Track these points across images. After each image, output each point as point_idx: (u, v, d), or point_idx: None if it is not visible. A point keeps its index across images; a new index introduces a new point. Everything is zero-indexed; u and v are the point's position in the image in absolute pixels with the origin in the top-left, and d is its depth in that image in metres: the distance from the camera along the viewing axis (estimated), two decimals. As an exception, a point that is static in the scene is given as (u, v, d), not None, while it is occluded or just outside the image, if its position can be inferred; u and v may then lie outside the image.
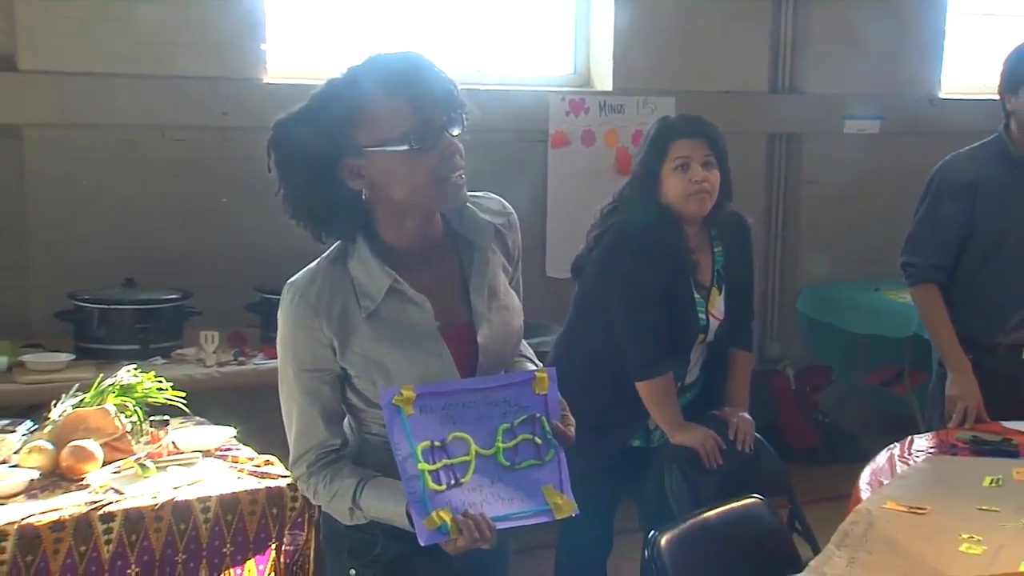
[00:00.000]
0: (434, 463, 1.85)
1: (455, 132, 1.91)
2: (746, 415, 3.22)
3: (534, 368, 2.09)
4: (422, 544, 1.83)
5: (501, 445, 1.90)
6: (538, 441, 1.93)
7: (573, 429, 1.99)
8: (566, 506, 1.91)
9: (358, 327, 1.94)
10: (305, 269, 2.01)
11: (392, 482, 1.91)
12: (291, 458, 2.06)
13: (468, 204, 2.03)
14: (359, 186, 1.93)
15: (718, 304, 3.19)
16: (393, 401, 1.84)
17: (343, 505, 1.98)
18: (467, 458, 1.87)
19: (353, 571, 2.07)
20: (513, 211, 2.17)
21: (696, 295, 3.13)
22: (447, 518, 1.82)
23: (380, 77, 1.89)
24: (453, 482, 1.86)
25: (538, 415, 1.93)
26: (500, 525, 1.86)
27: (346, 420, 2.08)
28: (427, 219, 1.99)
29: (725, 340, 3.24)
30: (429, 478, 1.84)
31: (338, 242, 2.01)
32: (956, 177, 3.43)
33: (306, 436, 2.01)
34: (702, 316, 3.15)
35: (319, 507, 2.31)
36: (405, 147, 1.86)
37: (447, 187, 1.91)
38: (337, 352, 1.94)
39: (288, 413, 2.03)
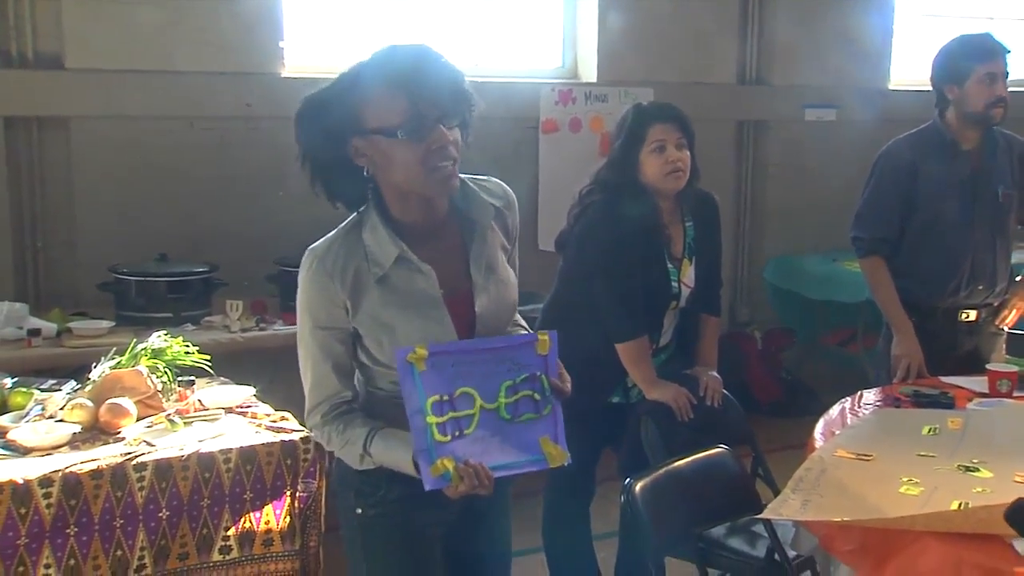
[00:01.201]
0: (442, 416, 1.84)
1: (452, 124, 1.89)
2: (715, 373, 3.20)
3: (535, 333, 2.04)
4: (426, 489, 1.82)
5: (503, 400, 1.90)
6: (537, 397, 1.92)
7: (569, 385, 1.99)
8: (560, 455, 1.92)
9: (369, 290, 1.94)
10: (323, 238, 2.00)
11: (400, 432, 1.90)
12: (307, 408, 2.05)
13: (472, 186, 2.03)
14: (363, 163, 1.93)
15: (689, 274, 3.16)
16: (407, 359, 1.83)
17: (355, 452, 1.97)
18: (472, 412, 1.87)
19: (359, 510, 2.07)
20: (513, 195, 2.14)
21: (669, 266, 3.10)
22: (450, 466, 1.82)
23: (387, 68, 1.88)
24: (457, 434, 1.85)
25: (539, 373, 1.93)
26: (498, 474, 1.86)
27: (356, 376, 2.06)
28: (427, 199, 1.97)
29: (696, 306, 3.22)
30: (436, 430, 1.83)
31: (354, 214, 2.00)
32: (898, 160, 3.41)
33: (320, 388, 2.00)
34: (675, 285, 3.12)
35: (329, 456, 2.35)
36: (397, 136, 1.86)
37: (436, 175, 1.88)
38: (349, 312, 1.94)
39: (304, 367, 2.03)
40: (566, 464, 1.92)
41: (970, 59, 3.30)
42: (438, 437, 1.83)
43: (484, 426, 1.88)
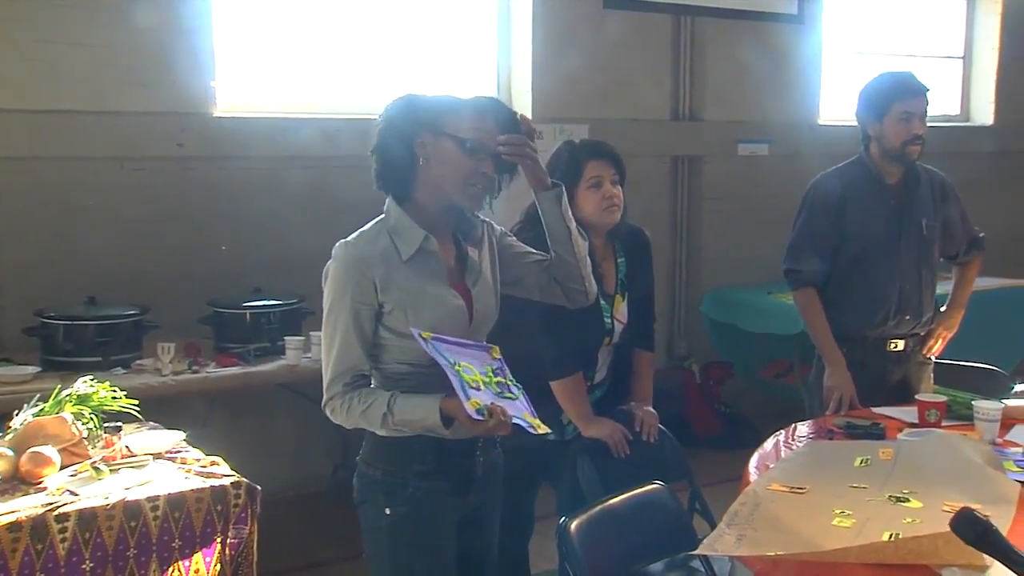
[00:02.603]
0: (464, 373, 2.13)
1: (494, 166, 2.26)
2: (650, 408, 3.20)
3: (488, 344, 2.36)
4: (471, 417, 2.07)
5: (493, 379, 2.20)
6: (508, 383, 2.24)
7: None
8: (541, 426, 2.21)
9: (397, 269, 2.23)
10: (355, 233, 2.30)
11: (421, 394, 2.18)
12: (327, 381, 2.24)
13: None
14: (421, 154, 2.24)
15: (622, 310, 3.16)
16: (421, 335, 2.14)
17: (377, 412, 2.18)
18: (477, 377, 2.15)
19: (388, 510, 2.27)
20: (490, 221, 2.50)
21: (602, 302, 3.10)
22: (482, 403, 2.09)
23: (489, 105, 2.30)
24: (476, 389, 2.13)
25: (501, 367, 2.27)
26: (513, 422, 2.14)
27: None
28: (454, 204, 2.29)
29: (630, 342, 3.22)
30: (465, 374, 2.12)
31: (379, 218, 2.30)
32: (827, 192, 3.47)
33: (345, 358, 2.22)
34: (608, 321, 3.12)
35: (259, 506, 2.63)
36: (464, 147, 2.22)
37: (470, 190, 2.25)
38: (378, 288, 2.21)
39: (329, 343, 2.25)
40: (548, 435, 2.28)
41: (888, 97, 3.36)
42: (468, 379, 2.11)
43: (487, 390, 2.16)
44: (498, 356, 2.28)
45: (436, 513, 2.30)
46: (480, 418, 2.08)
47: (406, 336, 2.22)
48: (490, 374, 2.21)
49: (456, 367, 2.13)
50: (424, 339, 2.13)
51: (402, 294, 2.23)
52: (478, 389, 2.13)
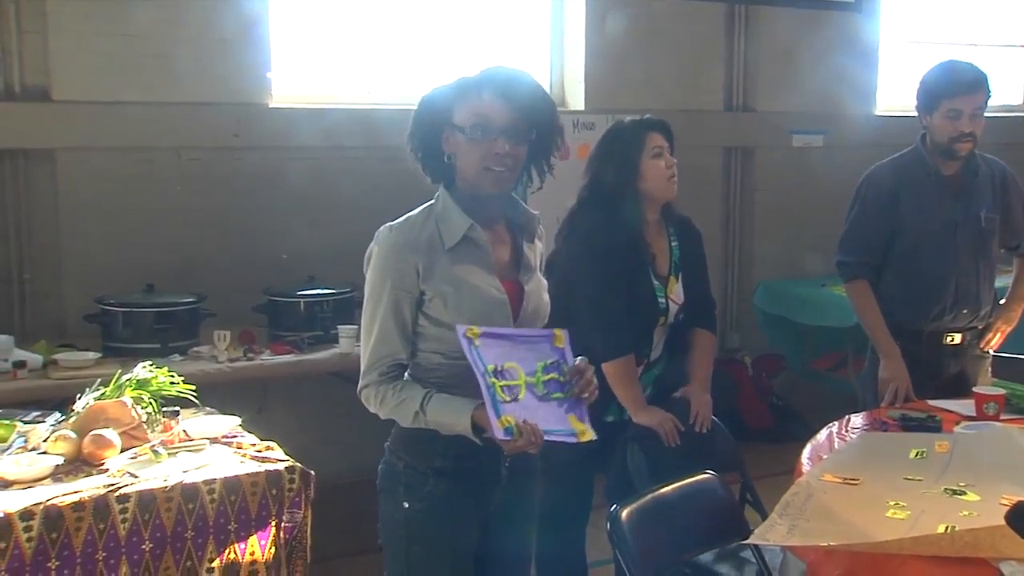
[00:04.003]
0: (500, 380, 2.08)
1: (517, 139, 2.15)
2: (707, 397, 3.18)
3: (552, 328, 2.27)
4: (498, 437, 2.03)
5: (540, 377, 2.13)
6: (562, 379, 2.15)
7: (591, 375, 2.19)
8: (587, 432, 2.13)
9: (440, 257, 2.18)
10: (401, 218, 2.26)
11: (455, 397, 2.14)
12: (364, 368, 2.22)
13: (519, 200, 2.34)
14: (448, 151, 2.22)
15: (676, 290, 3.19)
16: (465, 334, 2.08)
17: (410, 409, 2.15)
18: (519, 382, 2.10)
19: (406, 504, 2.23)
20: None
21: (655, 282, 3.12)
22: (512, 422, 2.03)
23: (484, 80, 2.18)
24: (512, 398, 2.08)
25: (560, 361, 2.17)
26: (546, 437, 2.07)
27: None
28: (482, 192, 2.22)
29: (687, 322, 3.24)
30: (500, 390, 2.06)
31: (428, 203, 2.26)
32: (880, 184, 3.43)
33: (383, 345, 2.19)
34: (662, 301, 3.15)
35: (312, 491, 2.66)
36: (466, 134, 2.16)
37: (487, 175, 2.17)
38: (421, 276, 2.17)
39: (368, 330, 2.22)
40: (593, 440, 2.13)
41: (938, 93, 3.30)
42: (502, 395, 2.06)
43: (529, 396, 2.11)
44: (562, 344, 2.20)
45: (454, 513, 2.23)
46: (508, 438, 2.03)
47: (444, 326, 2.17)
48: (539, 372, 2.13)
49: (491, 378, 2.06)
50: (469, 339, 2.08)
51: (442, 283, 2.17)
52: (515, 399, 2.07)
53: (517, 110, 2.15)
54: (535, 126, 2.19)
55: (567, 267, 3.10)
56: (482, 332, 2.11)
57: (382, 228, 2.23)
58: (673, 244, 3.20)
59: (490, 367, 2.07)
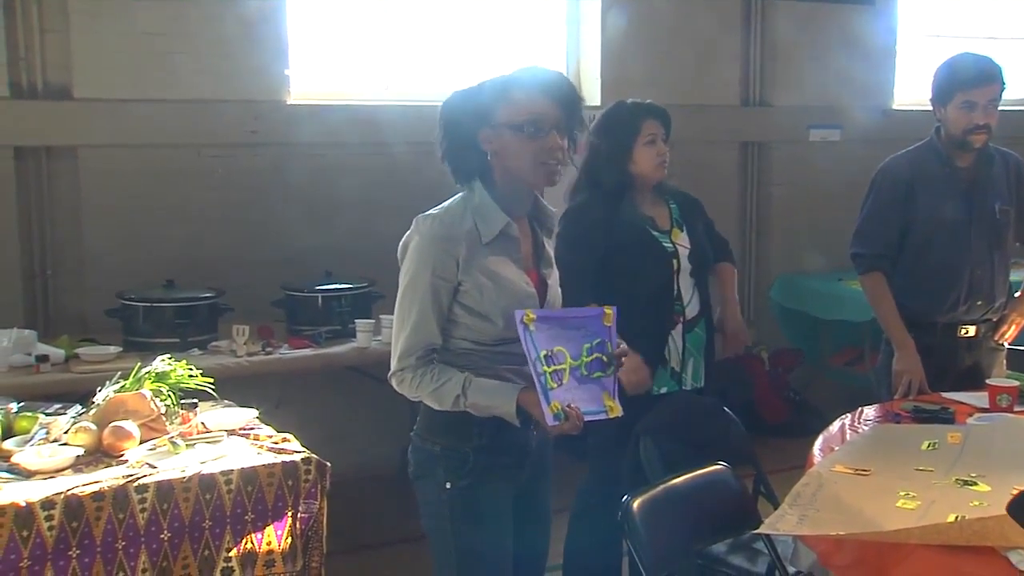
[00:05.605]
0: (549, 367, 2.18)
1: (563, 133, 2.25)
2: (738, 318, 3.41)
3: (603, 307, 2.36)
4: (549, 424, 2.15)
5: (584, 359, 2.24)
6: (604, 359, 2.27)
7: (626, 347, 2.35)
8: (616, 408, 2.26)
9: (479, 248, 2.26)
10: (437, 208, 2.31)
11: (494, 381, 2.24)
12: (399, 352, 2.28)
13: (540, 197, 2.40)
14: (488, 149, 2.28)
15: (682, 237, 3.31)
16: (523, 320, 2.18)
17: (451, 392, 2.23)
18: (565, 366, 2.21)
19: (448, 483, 2.30)
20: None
21: (655, 233, 3.25)
22: (559, 407, 2.15)
23: (530, 78, 2.26)
24: (558, 384, 2.19)
25: (605, 340, 2.28)
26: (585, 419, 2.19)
27: None
28: (528, 187, 2.32)
29: (707, 270, 3.34)
30: (550, 378, 2.17)
31: (461, 193, 2.32)
32: (895, 176, 3.42)
33: (420, 332, 2.25)
34: (668, 244, 3.25)
35: (328, 482, 2.70)
36: (523, 131, 2.22)
37: (543, 169, 2.25)
38: (460, 266, 2.24)
39: (405, 315, 2.27)
40: (620, 415, 2.26)
41: (952, 84, 3.29)
42: (551, 383, 2.17)
43: (572, 378, 2.22)
44: (610, 323, 2.30)
45: (496, 487, 2.33)
46: (556, 423, 2.15)
47: (477, 315, 2.25)
48: (584, 354, 2.24)
49: (543, 365, 2.16)
50: (524, 324, 2.17)
51: (480, 275, 2.25)
52: (560, 384, 2.18)
53: (562, 107, 2.25)
54: (573, 123, 2.29)
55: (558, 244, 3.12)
56: (537, 316, 2.20)
57: (421, 218, 2.29)
58: (672, 207, 3.34)
59: (542, 353, 2.18)
